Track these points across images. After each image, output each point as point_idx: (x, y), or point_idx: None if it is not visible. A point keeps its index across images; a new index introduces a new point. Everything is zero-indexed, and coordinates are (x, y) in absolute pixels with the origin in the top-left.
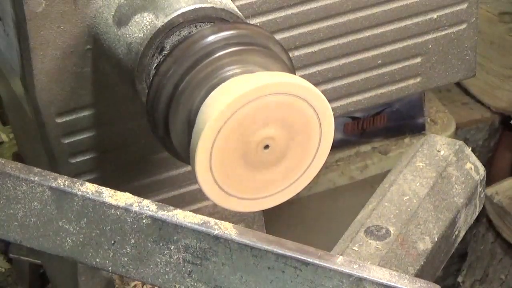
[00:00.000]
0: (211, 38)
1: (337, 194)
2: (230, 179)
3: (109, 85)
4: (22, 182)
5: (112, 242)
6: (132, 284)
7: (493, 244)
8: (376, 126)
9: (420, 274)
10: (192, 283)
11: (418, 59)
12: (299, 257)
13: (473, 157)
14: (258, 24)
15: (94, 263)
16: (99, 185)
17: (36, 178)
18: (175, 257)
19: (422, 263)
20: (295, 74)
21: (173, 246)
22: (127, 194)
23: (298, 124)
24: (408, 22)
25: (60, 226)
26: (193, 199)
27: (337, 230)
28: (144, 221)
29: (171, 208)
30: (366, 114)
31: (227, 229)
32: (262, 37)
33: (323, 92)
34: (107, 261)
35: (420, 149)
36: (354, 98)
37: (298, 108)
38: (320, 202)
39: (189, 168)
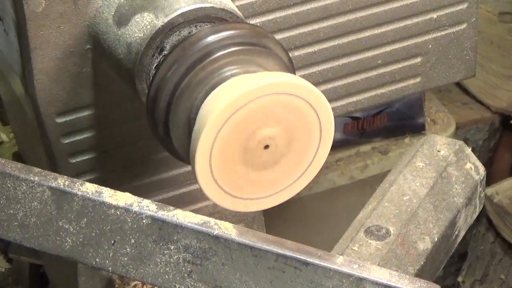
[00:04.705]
0: (211, 38)
1: (337, 194)
2: (230, 179)
3: (109, 85)
4: (22, 182)
5: (112, 242)
6: (132, 284)
7: (493, 244)
8: (376, 126)
9: (420, 274)
10: (192, 283)
11: (418, 59)
12: (299, 257)
13: (473, 157)
14: (258, 24)
15: (94, 263)
16: (99, 185)
17: (36, 178)
18: (175, 257)
19: (422, 263)
20: (295, 74)
21: (173, 246)
22: (127, 194)
23: (298, 124)
24: (408, 22)
25: (60, 226)
26: (193, 199)
27: (337, 230)
28: (144, 221)
29: (171, 208)
30: (366, 114)
31: (227, 229)
32: (262, 37)
33: (323, 92)
34: (107, 261)
35: (420, 149)
36: (354, 98)
37: (298, 108)
38: (320, 202)
39: (189, 168)
